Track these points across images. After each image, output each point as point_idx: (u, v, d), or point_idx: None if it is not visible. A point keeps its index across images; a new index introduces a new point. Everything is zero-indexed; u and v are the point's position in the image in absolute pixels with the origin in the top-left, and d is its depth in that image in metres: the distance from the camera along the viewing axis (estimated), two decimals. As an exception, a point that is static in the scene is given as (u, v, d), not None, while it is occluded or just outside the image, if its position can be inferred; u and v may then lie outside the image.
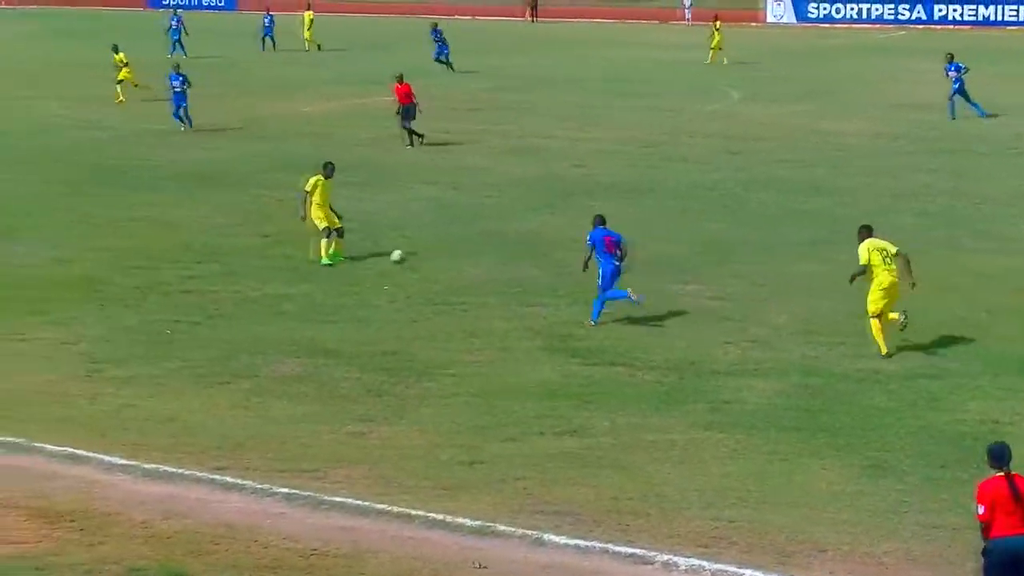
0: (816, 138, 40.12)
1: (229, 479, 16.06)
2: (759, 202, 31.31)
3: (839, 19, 79.01)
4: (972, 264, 25.74)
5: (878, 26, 78.39)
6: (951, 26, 77.74)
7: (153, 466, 16.47)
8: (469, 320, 22.51)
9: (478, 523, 14.73)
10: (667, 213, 30.29)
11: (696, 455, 16.75)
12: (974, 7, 78.69)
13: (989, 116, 43.45)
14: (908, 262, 20.82)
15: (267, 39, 66.95)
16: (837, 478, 15.98)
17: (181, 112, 42.02)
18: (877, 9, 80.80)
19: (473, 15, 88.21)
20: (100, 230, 28.96)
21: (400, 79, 39.37)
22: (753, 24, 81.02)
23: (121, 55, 49.71)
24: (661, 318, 22.50)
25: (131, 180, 34.22)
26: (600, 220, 22.67)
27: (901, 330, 20.63)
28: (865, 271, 20.64)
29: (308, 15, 66.20)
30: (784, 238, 27.89)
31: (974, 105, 43.94)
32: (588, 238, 22.48)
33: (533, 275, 25.20)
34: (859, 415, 18.04)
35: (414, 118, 39.00)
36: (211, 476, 16.17)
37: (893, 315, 20.57)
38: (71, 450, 16.98)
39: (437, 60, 56.08)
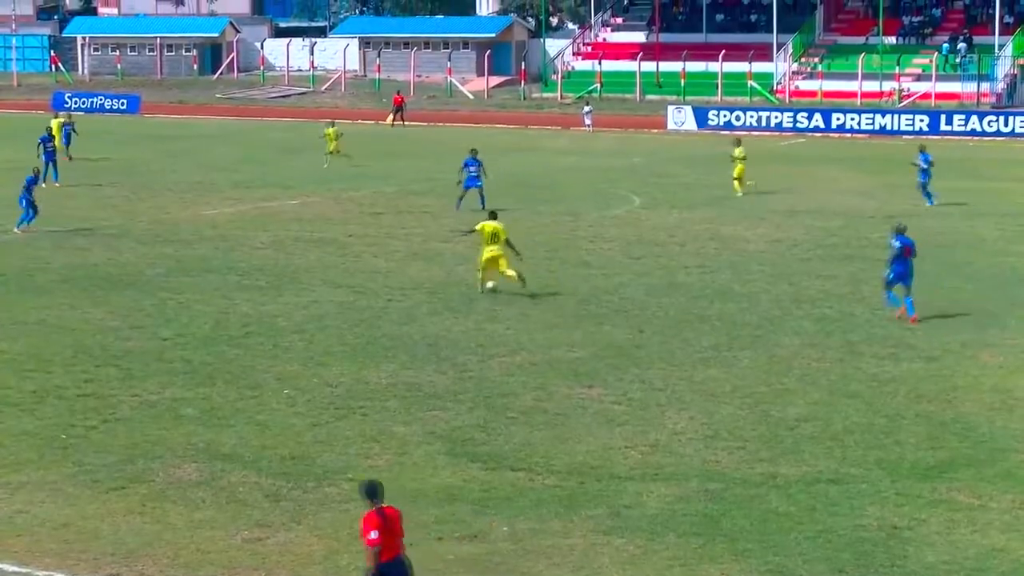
0: (717, 243, 40.54)
1: (123, 587, 15.82)
2: (660, 306, 31.53)
3: (739, 126, 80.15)
4: (870, 369, 26.02)
5: (778, 134, 79.61)
6: (848, 135, 79.15)
7: (46, 573, 16.20)
8: (370, 424, 22.43)
9: (377, 630, 14.58)
10: (568, 317, 30.42)
11: (595, 561, 16.73)
12: (871, 116, 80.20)
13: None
14: None
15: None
16: (736, 583, 16.01)
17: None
18: (776, 117, 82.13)
19: (355, 119, 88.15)
20: (-4, 333, 28.64)
21: None
22: (654, 130, 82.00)
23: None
24: (562, 422, 22.53)
25: (27, 283, 33.87)
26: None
27: None
28: None
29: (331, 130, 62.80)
30: (685, 343, 28.09)
31: (927, 196, 48.09)
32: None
33: (435, 379, 25.18)
34: (759, 520, 18.13)
35: None
36: (105, 583, 15.92)
37: None
38: (-39, 558, 16.67)
39: (468, 188, 47.03)
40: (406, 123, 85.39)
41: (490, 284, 32.60)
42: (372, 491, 14.32)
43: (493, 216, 33.29)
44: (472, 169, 46.43)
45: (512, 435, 21.88)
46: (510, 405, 23.47)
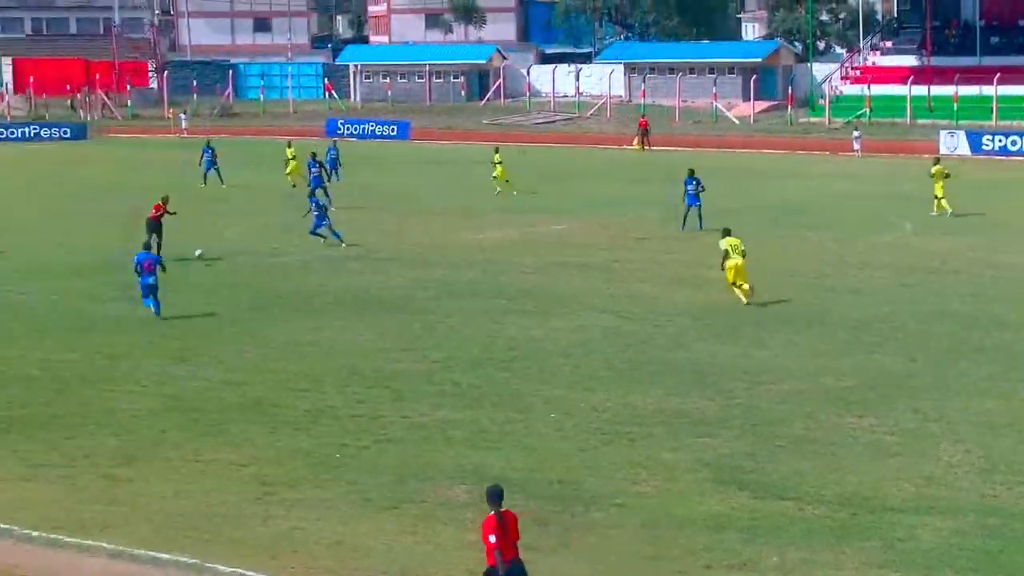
0: (992, 271, 39.46)
1: (396, 605, 16.09)
2: (933, 335, 30.80)
3: (1015, 151, 77.90)
4: None
5: (1056, 158, 77.11)
6: None
7: (321, 590, 16.57)
8: (636, 450, 22.40)
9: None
10: (837, 344, 29.93)
11: (869, 593, 16.41)
12: None
13: None
14: None
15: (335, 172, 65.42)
16: (1016, 622, 15.54)
17: (322, 230, 43.99)
18: (1054, 140, 79.55)
19: (620, 144, 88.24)
20: (272, 353, 29.41)
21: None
22: (925, 155, 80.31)
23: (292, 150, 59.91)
24: (832, 452, 22.17)
25: (303, 305, 34.74)
26: None
27: None
28: None
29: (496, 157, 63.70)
30: (960, 373, 27.35)
31: None
32: None
33: (702, 406, 25.03)
34: (1039, 557, 17.56)
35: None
36: (378, 601, 16.21)
37: None
38: (242, 571, 17.16)
39: (688, 206, 47.72)
40: (649, 148, 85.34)
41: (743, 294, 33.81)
42: (498, 496, 15.22)
43: (728, 233, 34.72)
44: (690, 188, 46.72)
45: (780, 464, 21.62)
46: (778, 433, 23.20)
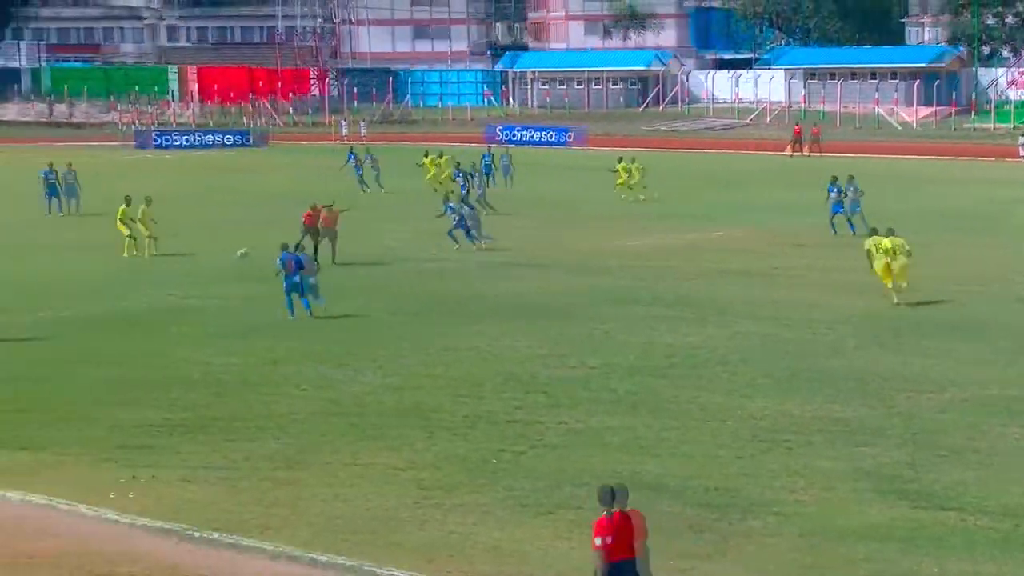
0: None
1: (552, 610, 16.13)
2: (1101, 345, 30.12)
3: None
4: None
5: None
6: None
7: (478, 594, 16.68)
8: (794, 458, 22.21)
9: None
10: (1002, 354, 29.39)
11: (1033, 608, 16.10)
12: None
13: None
14: None
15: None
16: None
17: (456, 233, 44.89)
18: None
19: (782, 151, 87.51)
20: (430, 358, 29.64)
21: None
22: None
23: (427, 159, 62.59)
24: (996, 462, 21.79)
25: (461, 311, 34.96)
26: None
27: None
28: None
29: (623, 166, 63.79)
30: None
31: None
32: None
33: (861, 414, 24.73)
34: None
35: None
36: (534, 606, 16.26)
37: None
38: (399, 575, 17.32)
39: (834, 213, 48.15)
40: (803, 154, 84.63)
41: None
42: (610, 498, 15.32)
43: (874, 231, 35.65)
44: (833, 195, 46.44)
45: (942, 473, 21.29)
46: (939, 443, 22.85)
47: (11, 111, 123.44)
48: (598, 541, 14.99)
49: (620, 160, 61.83)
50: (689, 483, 20.97)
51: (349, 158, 67.14)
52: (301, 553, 18.28)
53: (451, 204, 46.27)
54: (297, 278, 33.60)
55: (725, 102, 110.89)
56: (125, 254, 44.56)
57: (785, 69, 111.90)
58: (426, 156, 64.95)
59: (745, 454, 22.49)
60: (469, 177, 57.24)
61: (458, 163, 59.92)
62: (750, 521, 19.30)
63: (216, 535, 19.03)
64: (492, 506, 20.08)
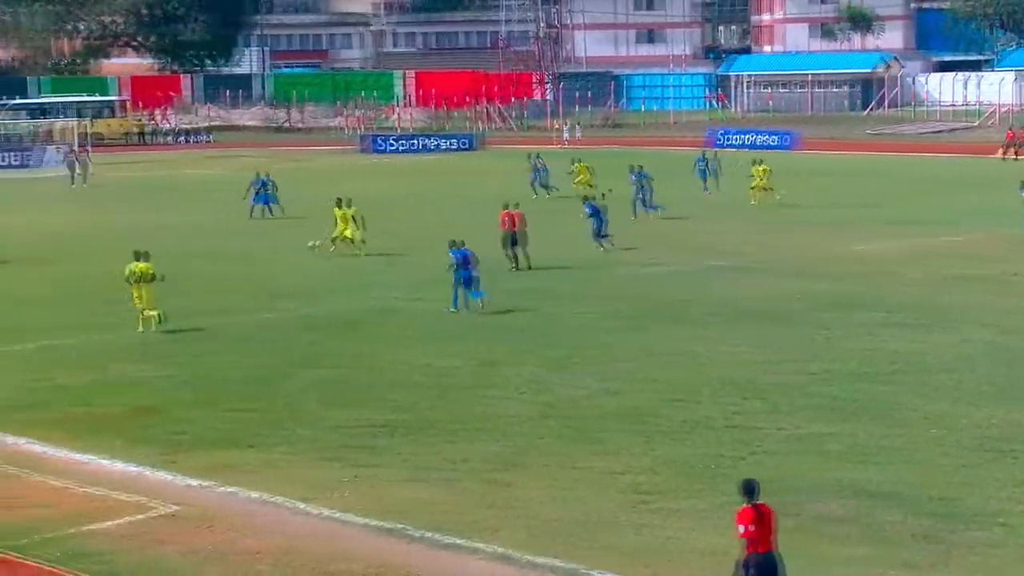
0: None
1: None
2: None
3: None
4: None
5: None
6: None
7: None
8: (1021, 468, 21.66)
9: None
10: None
11: None
12: None
13: None
14: None
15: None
16: None
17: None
18: None
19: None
20: (649, 363, 29.59)
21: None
22: None
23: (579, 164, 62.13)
24: None
25: (681, 315, 34.84)
26: None
27: None
28: None
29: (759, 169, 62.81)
30: None
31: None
32: None
33: (1092, 425, 24.03)
34: None
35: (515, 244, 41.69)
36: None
37: None
38: (617, 579, 17.36)
39: None
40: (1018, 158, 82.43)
41: None
42: (751, 489, 15.45)
43: None
44: None
45: None
46: None
47: (244, 116, 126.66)
48: (741, 529, 15.18)
49: (758, 163, 61.18)
50: (912, 491, 20.59)
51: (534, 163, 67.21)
52: (518, 555, 18.40)
53: (592, 203, 46.39)
54: (468, 272, 34.80)
55: (954, 105, 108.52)
56: (332, 248, 45.70)
57: (1018, 71, 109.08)
58: (579, 161, 64.82)
59: (970, 463, 22.02)
60: (643, 179, 56.71)
61: (631, 166, 58.96)
62: (974, 531, 18.89)
63: (436, 535, 19.25)
64: (710, 512, 19.97)
